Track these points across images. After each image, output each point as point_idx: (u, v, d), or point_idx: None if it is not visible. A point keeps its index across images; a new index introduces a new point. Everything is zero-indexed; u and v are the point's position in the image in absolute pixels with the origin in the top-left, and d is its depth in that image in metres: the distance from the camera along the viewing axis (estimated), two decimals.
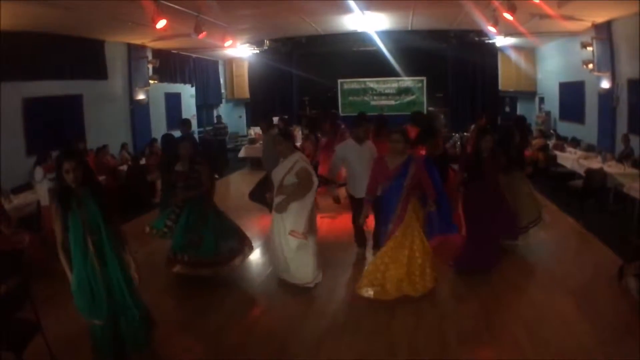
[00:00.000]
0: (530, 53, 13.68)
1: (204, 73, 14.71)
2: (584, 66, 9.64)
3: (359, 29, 11.73)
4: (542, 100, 13.67)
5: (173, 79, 12.87)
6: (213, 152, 11.59)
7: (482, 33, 11.85)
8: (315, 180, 4.65)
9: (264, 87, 14.87)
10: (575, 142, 10.08)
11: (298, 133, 11.37)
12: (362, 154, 5.08)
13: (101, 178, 7.30)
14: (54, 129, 8.49)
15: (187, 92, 13.97)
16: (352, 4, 8.62)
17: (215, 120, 14.72)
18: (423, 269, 4.34)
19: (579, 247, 5.99)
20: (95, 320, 3.11)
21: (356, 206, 5.14)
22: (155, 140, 10.57)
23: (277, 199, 4.59)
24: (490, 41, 12.66)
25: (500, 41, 12.54)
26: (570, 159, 8.94)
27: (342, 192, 6.07)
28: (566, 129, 11.42)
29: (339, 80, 14.83)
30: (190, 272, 4.80)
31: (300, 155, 4.75)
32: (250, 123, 15.53)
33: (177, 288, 4.88)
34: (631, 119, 8.43)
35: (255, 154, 11.59)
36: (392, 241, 4.31)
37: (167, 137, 8.78)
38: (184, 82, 13.56)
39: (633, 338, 3.53)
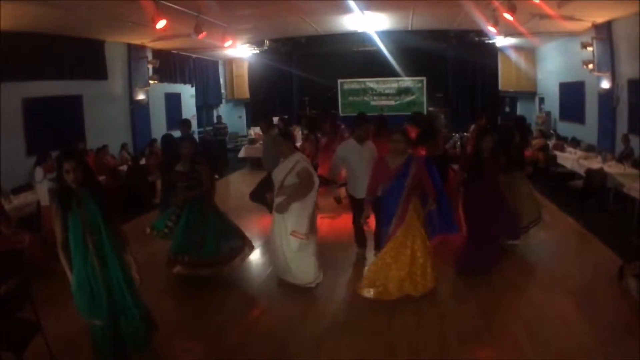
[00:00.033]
0: (530, 53, 13.68)
1: (204, 73, 14.72)
2: (584, 66, 9.64)
3: (359, 29, 11.73)
4: (542, 100, 13.67)
5: (173, 79, 12.88)
6: (213, 152, 11.59)
7: (482, 33, 11.85)
8: (317, 180, 4.65)
9: (264, 87, 14.88)
10: (575, 142, 10.08)
11: (298, 133, 11.37)
12: (363, 154, 5.08)
13: (101, 178, 7.29)
14: (54, 129, 8.49)
15: (187, 92, 13.97)
16: (352, 4, 8.61)
17: (215, 121, 14.74)
18: (424, 268, 4.35)
19: (579, 247, 5.99)
20: (96, 320, 3.11)
21: (356, 206, 5.14)
22: (155, 140, 10.57)
23: (277, 200, 4.59)
24: (490, 41, 12.65)
25: (500, 41, 12.54)
26: (570, 159, 8.94)
27: (341, 192, 6.08)
28: (566, 129, 11.42)
29: (339, 81, 14.83)
30: (190, 273, 4.80)
31: (301, 155, 4.74)
32: (250, 123, 15.54)
33: (177, 288, 4.88)
34: (631, 119, 8.43)
35: (255, 154, 11.59)
36: (394, 241, 4.31)
37: (167, 138, 8.77)
38: (184, 82, 13.57)
39: (633, 338, 3.52)
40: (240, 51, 13.93)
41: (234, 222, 5.20)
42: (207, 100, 15.00)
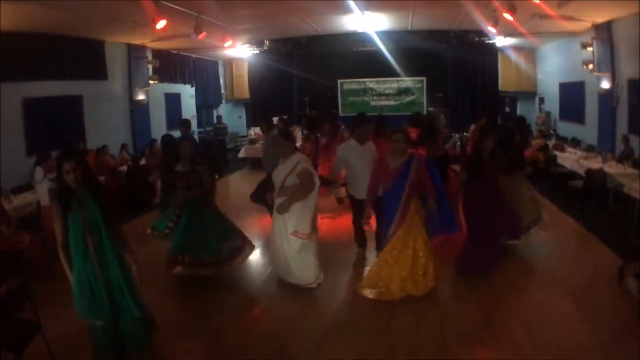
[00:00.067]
0: (530, 53, 13.68)
1: (203, 73, 14.71)
2: (584, 66, 9.64)
3: (359, 29, 11.73)
4: (542, 100, 13.67)
5: (173, 79, 12.87)
6: (213, 152, 11.60)
7: (482, 33, 11.85)
8: (317, 181, 4.64)
9: (264, 88, 14.88)
10: (576, 143, 10.08)
11: (298, 133, 11.37)
12: (364, 155, 5.07)
13: (101, 178, 7.28)
14: (54, 129, 8.50)
15: (187, 93, 13.97)
16: (352, 4, 8.61)
17: (215, 121, 14.73)
18: (426, 268, 4.35)
19: (579, 247, 5.99)
20: (96, 320, 3.11)
21: (356, 207, 5.14)
22: (155, 140, 10.57)
23: (278, 200, 4.58)
24: (490, 41, 12.65)
25: (500, 41, 12.53)
26: (570, 159, 8.94)
27: (342, 192, 6.07)
28: (566, 129, 11.42)
29: (339, 81, 14.83)
30: (191, 273, 4.80)
31: (302, 156, 4.74)
32: (250, 123, 15.54)
33: (177, 288, 4.88)
34: (631, 119, 8.43)
35: (255, 154, 11.60)
36: (395, 241, 4.31)
37: (167, 138, 8.78)
38: (184, 83, 13.56)
39: (633, 338, 3.52)
40: (240, 51, 13.93)
41: (233, 222, 5.19)
42: (207, 101, 15.00)
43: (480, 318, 4.03)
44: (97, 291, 3.06)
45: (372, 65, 13.93)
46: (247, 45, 13.44)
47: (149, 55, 11.46)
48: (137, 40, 10.61)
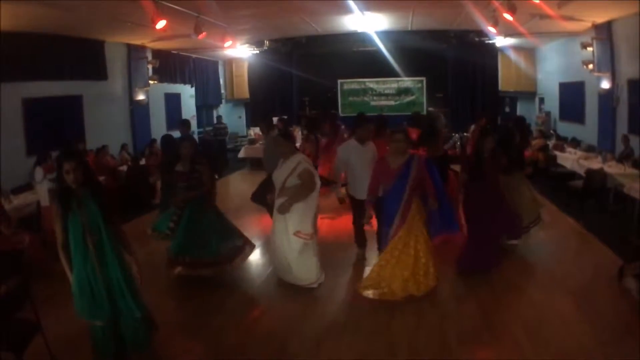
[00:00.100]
0: (530, 53, 13.68)
1: (203, 73, 14.72)
2: (584, 66, 9.65)
3: (359, 29, 11.73)
4: (542, 100, 13.67)
5: (173, 80, 12.88)
6: (213, 152, 11.59)
7: (482, 33, 11.86)
8: (318, 181, 4.63)
9: (263, 88, 14.88)
10: (575, 143, 10.08)
11: (297, 134, 11.37)
12: (364, 155, 5.07)
13: (101, 178, 7.29)
14: (54, 129, 8.50)
15: (187, 93, 13.97)
16: (352, 4, 8.62)
17: (215, 121, 14.73)
18: (427, 268, 4.36)
19: (579, 247, 5.99)
20: (96, 321, 3.11)
21: (356, 207, 5.14)
22: (155, 140, 10.57)
23: (279, 201, 4.58)
24: (490, 41, 12.66)
25: (500, 41, 12.54)
26: (570, 159, 8.94)
27: (342, 192, 6.07)
28: (566, 129, 11.42)
29: (339, 81, 14.82)
30: (191, 273, 4.80)
31: (303, 156, 4.73)
32: (250, 123, 15.54)
33: (177, 288, 4.88)
34: (631, 119, 8.43)
35: (255, 154, 11.60)
36: (397, 242, 4.31)
37: (166, 138, 8.76)
38: (184, 83, 13.57)
39: (633, 338, 3.52)
40: (240, 51, 13.93)
41: (232, 223, 5.19)
42: (206, 101, 15.00)
43: (480, 318, 4.03)
44: (97, 291, 3.06)
45: (372, 65, 13.93)
46: (247, 45, 13.44)
47: (149, 56, 11.46)
48: (137, 41, 10.61)
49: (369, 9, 9.22)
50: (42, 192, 6.16)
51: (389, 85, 14.66)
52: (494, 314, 4.11)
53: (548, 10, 7.82)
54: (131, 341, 3.26)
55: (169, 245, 5.03)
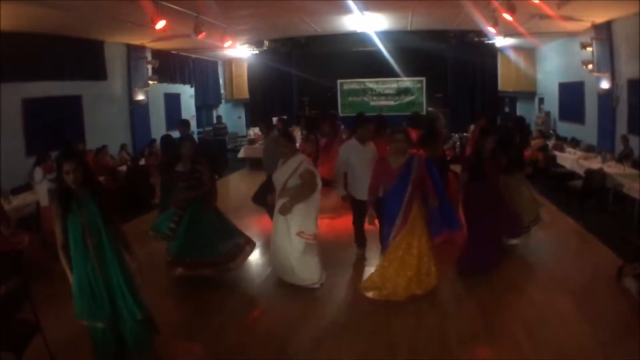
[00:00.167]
0: (530, 53, 13.69)
1: (203, 73, 14.72)
2: (584, 66, 9.64)
3: (359, 30, 11.73)
4: (541, 100, 13.67)
5: (172, 80, 12.87)
6: (213, 152, 11.59)
7: (481, 33, 11.85)
8: (319, 182, 4.62)
9: (263, 88, 14.88)
10: (575, 143, 10.09)
11: (297, 134, 11.37)
12: (365, 155, 5.07)
13: (100, 179, 7.28)
14: (53, 130, 8.49)
15: (187, 93, 13.97)
16: (352, 4, 8.62)
17: (215, 121, 14.72)
18: (429, 267, 4.37)
19: (579, 247, 5.99)
20: (97, 322, 3.10)
21: (357, 207, 5.14)
22: (154, 140, 10.57)
23: (280, 202, 4.57)
24: (490, 41, 12.66)
25: (500, 41, 12.55)
26: (569, 159, 8.94)
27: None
28: (566, 129, 11.42)
29: (339, 81, 14.82)
30: (192, 273, 4.79)
31: (304, 157, 4.73)
32: (250, 123, 15.54)
33: (177, 288, 4.88)
34: (631, 119, 8.44)
35: (254, 154, 11.60)
36: (400, 242, 4.30)
37: (166, 138, 8.75)
38: (184, 83, 13.56)
39: (633, 338, 3.52)
40: (239, 51, 13.93)
41: (232, 222, 5.18)
42: (206, 101, 15.00)
43: (480, 318, 4.03)
44: (98, 292, 3.06)
45: (372, 65, 13.93)
46: (247, 45, 13.44)
47: (149, 56, 11.46)
48: (136, 41, 10.60)
49: (368, 9, 9.22)
50: (42, 192, 6.15)
51: (389, 85, 14.66)
52: (494, 314, 4.11)
53: (548, 10, 7.83)
54: (131, 341, 3.25)
55: (169, 246, 5.03)
